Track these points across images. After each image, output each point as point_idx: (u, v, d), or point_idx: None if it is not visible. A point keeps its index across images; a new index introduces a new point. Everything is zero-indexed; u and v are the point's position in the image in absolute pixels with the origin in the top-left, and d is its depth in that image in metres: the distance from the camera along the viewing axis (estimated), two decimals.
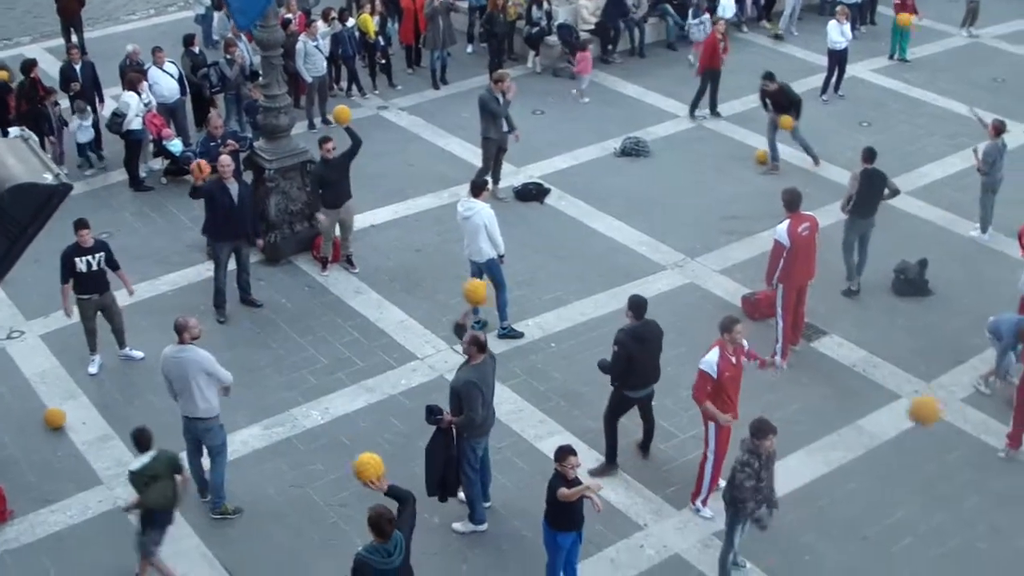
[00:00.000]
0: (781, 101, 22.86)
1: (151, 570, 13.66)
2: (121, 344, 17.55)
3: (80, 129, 23.00)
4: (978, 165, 20.04)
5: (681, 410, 16.20)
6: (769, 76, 23.08)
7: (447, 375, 16.90)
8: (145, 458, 13.29)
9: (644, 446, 15.66)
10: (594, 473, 15.18)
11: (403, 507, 11.71)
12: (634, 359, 14.60)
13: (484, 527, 14.45)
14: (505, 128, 21.63)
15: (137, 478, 13.23)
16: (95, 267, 16.83)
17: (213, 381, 14.18)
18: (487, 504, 14.61)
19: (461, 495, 14.56)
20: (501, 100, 21.42)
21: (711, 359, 13.92)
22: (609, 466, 15.37)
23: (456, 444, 14.00)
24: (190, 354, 14.04)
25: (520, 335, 18.00)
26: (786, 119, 22.58)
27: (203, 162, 19.36)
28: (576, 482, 12.56)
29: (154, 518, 13.39)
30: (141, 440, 13.34)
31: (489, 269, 17.71)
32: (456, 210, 17.86)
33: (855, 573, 13.88)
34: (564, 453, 12.51)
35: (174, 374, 14.14)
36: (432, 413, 13.87)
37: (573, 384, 16.82)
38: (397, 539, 11.35)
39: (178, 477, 13.36)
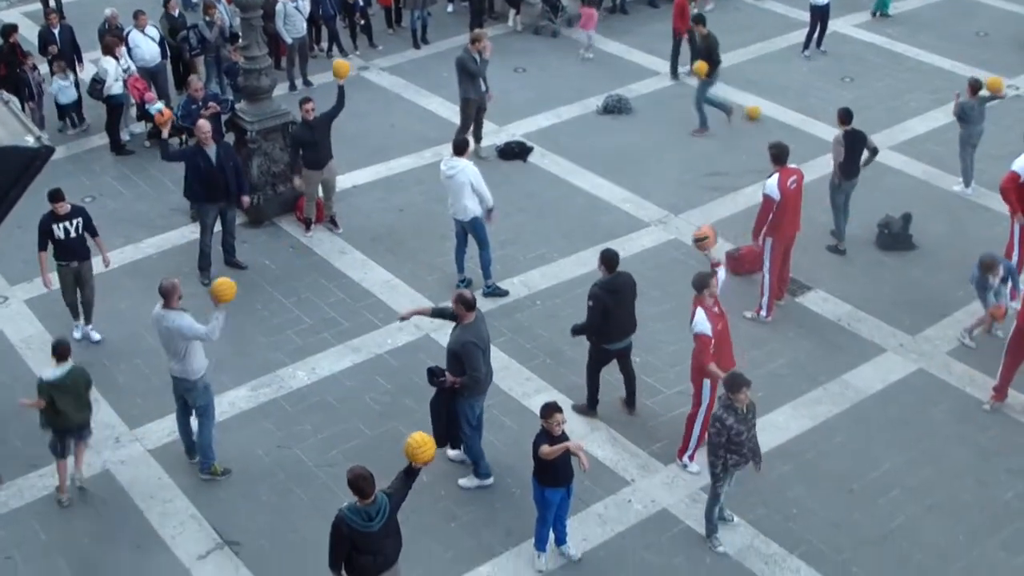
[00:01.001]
0: (703, 48, 22.90)
1: (81, 463, 14.60)
2: (88, 319, 17.38)
3: (60, 90, 22.87)
4: (955, 110, 20.30)
5: (667, 366, 16.25)
6: (699, 19, 23.20)
7: (433, 334, 16.96)
8: (59, 371, 13.93)
9: (629, 402, 15.72)
10: (577, 409, 15.45)
11: (406, 477, 11.68)
12: (609, 311, 14.70)
13: (490, 481, 14.52)
14: (484, 88, 21.58)
15: (42, 387, 13.90)
16: (73, 234, 16.67)
17: (195, 344, 14.19)
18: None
19: (451, 453, 14.66)
20: (479, 60, 21.34)
21: (701, 319, 13.94)
22: (590, 410, 15.54)
23: (453, 404, 14.07)
24: (168, 321, 14.01)
25: (505, 293, 18.02)
26: (701, 64, 22.59)
27: (166, 110, 19.20)
28: (563, 438, 12.61)
29: (55, 428, 14.16)
30: (60, 352, 14.01)
31: (473, 227, 17.72)
32: (439, 169, 17.85)
33: (842, 526, 13.96)
34: (549, 410, 12.55)
35: (161, 335, 14.18)
36: (434, 375, 13.91)
37: (559, 341, 16.83)
38: (381, 503, 11.32)
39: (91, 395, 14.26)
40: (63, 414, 14.01)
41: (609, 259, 14.84)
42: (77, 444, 14.48)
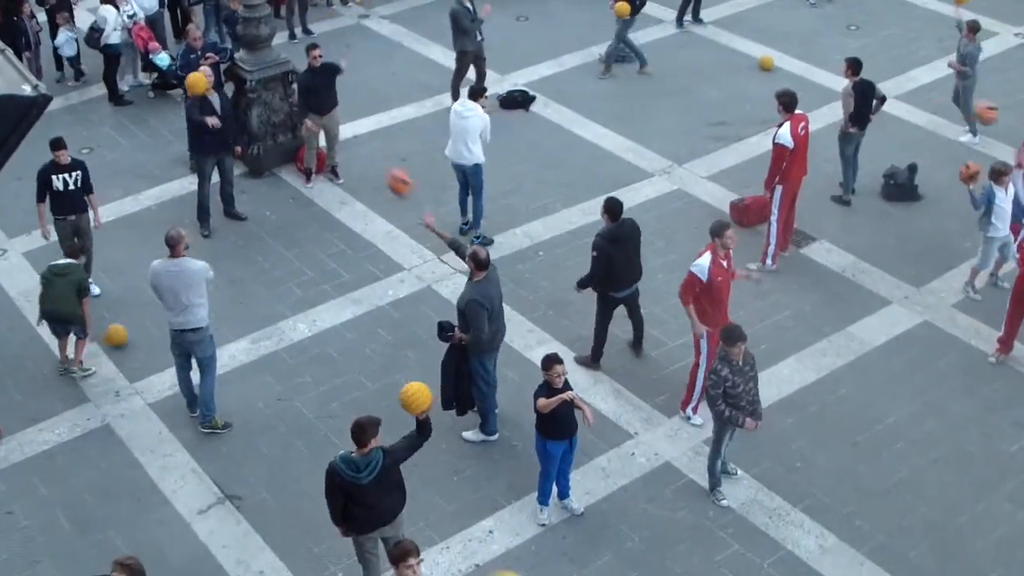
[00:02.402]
0: None
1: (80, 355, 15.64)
2: (87, 272, 17.26)
3: (67, 42, 22.67)
4: (956, 68, 20.04)
5: (671, 318, 16.14)
6: None
7: (435, 285, 16.90)
8: (63, 262, 15.41)
9: (636, 344, 15.72)
10: (580, 361, 15.43)
11: (415, 436, 11.58)
12: (613, 259, 14.67)
13: (495, 437, 14.49)
14: (479, 37, 21.37)
15: (45, 272, 15.41)
16: (72, 186, 16.55)
17: (204, 290, 14.13)
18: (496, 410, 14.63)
19: (466, 434, 14.59)
20: (473, 11, 21.10)
21: (703, 263, 13.87)
22: (593, 363, 15.49)
23: (465, 363, 14.02)
24: (188, 265, 14.00)
25: (490, 242, 17.93)
26: (622, 6, 22.43)
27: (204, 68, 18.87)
28: (565, 390, 12.53)
29: (48, 316, 15.35)
30: (70, 251, 15.64)
31: (473, 173, 17.76)
32: (451, 112, 17.83)
33: (846, 478, 13.90)
34: (550, 362, 12.48)
35: (165, 286, 14.07)
36: (444, 330, 13.94)
37: (561, 292, 16.74)
38: (374, 457, 11.25)
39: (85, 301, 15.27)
40: (58, 301, 15.18)
41: (612, 208, 14.77)
42: (78, 339, 15.52)
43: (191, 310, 14.08)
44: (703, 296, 13.96)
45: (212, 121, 17.77)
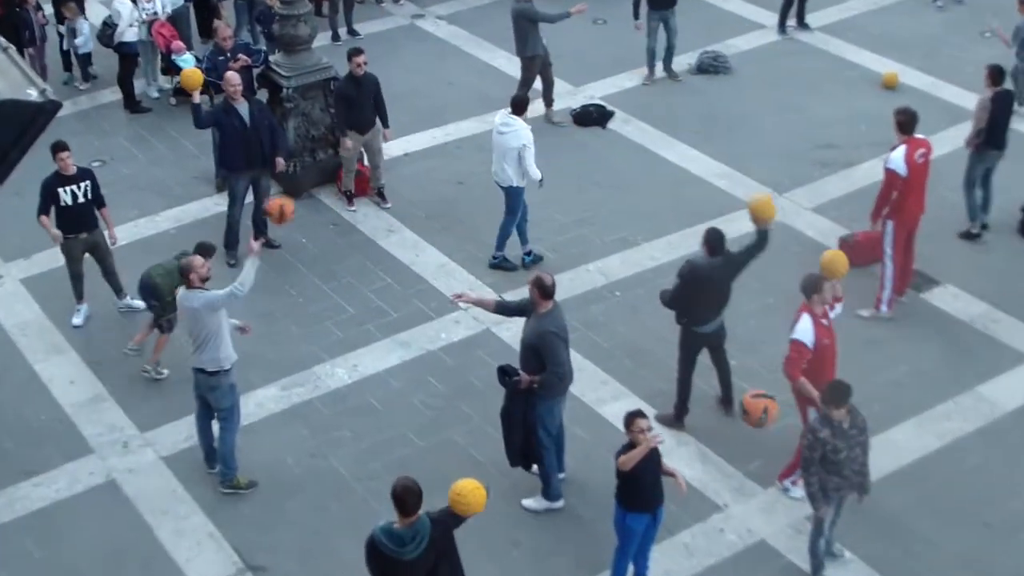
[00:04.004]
0: None
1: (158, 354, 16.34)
2: (118, 290, 17.43)
3: (83, 39, 22.84)
4: (1001, 36, 20.73)
5: (764, 371, 15.97)
6: None
7: (494, 328, 16.84)
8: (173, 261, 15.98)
9: (725, 400, 15.63)
10: (661, 419, 15.24)
11: (453, 516, 11.49)
12: (696, 295, 14.71)
13: (560, 504, 14.40)
14: (545, 41, 21.37)
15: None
16: (82, 199, 16.65)
17: (222, 328, 14.10)
18: (561, 476, 14.53)
19: (525, 502, 14.48)
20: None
21: (806, 328, 13.70)
22: (676, 421, 15.43)
23: (532, 408, 13.90)
24: (189, 302, 14.05)
25: (513, 268, 18.08)
26: None
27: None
28: (653, 453, 12.41)
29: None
30: (204, 249, 15.33)
31: (508, 195, 17.88)
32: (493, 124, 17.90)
33: (975, 565, 13.69)
34: (632, 417, 12.39)
35: (184, 316, 14.33)
36: (506, 375, 13.76)
37: (641, 340, 16.67)
38: (422, 527, 11.15)
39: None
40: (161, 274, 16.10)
41: (712, 240, 14.71)
42: (161, 333, 16.37)
43: (204, 347, 14.09)
44: (811, 363, 13.79)
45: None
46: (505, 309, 14.35)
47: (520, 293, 16.59)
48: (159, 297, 16.06)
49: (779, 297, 16.83)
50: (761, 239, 14.73)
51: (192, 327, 14.13)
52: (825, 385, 12.93)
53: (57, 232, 16.73)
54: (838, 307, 14.32)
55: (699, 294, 14.70)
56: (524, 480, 14.46)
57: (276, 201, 15.46)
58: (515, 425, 13.99)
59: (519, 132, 17.50)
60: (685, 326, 15.04)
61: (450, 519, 11.38)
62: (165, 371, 16.27)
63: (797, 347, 13.74)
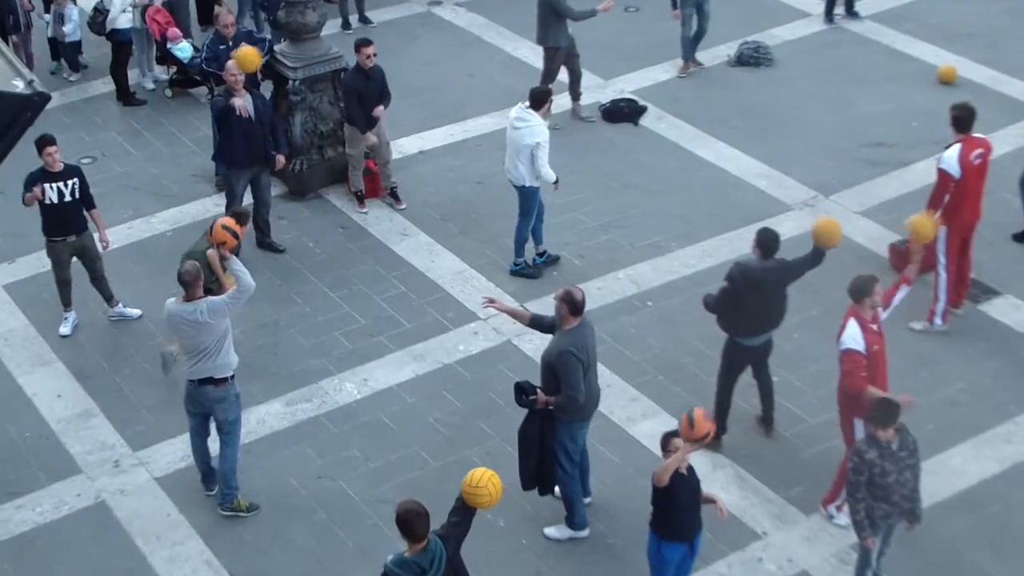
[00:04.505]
0: None
1: None
2: (108, 298, 17.50)
3: (72, 26, 22.91)
4: None
5: (811, 388, 16.03)
6: None
7: (516, 340, 16.87)
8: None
9: (766, 419, 15.63)
10: None
11: (464, 510, 11.58)
12: (745, 302, 14.66)
13: (586, 532, 14.39)
14: (571, 30, 21.42)
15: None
16: (68, 197, 16.66)
17: (229, 330, 14.18)
18: (587, 500, 14.56)
19: (548, 531, 14.46)
20: None
21: (855, 333, 13.67)
22: (714, 439, 15.28)
23: (551, 430, 13.87)
24: (196, 314, 13.87)
25: (536, 276, 18.15)
26: None
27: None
28: (689, 477, 12.40)
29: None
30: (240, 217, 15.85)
31: (522, 195, 17.94)
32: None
33: None
34: (668, 438, 12.35)
35: (180, 332, 14.11)
36: (523, 392, 13.74)
37: (674, 353, 16.70)
38: (435, 549, 11.19)
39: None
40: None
41: (765, 242, 14.68)
42: None
43: (212, 355, 14.05)
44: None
45: (238, 103, 17.83)
46: (540, 324, 14.19)
47: (544, 303, 16.69)
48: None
49: (824, 309, 16.81)
50: (817, 255, 14.73)
51: (195, 340, 13.99)
52: (872, 402, 12.93)
53: (37, 192, 16.54)
54: (903, 291, 14.32)
55: (748, 301, 14.67)
56: (547, 506, 14.46)
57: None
58: (530, 446, 13.92)
59: (533, 128, 17.49)
60: (731, 339, 15.07)
61: (461, 521, 11.47)
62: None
63: (850, 358, 13.66)
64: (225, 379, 14.17)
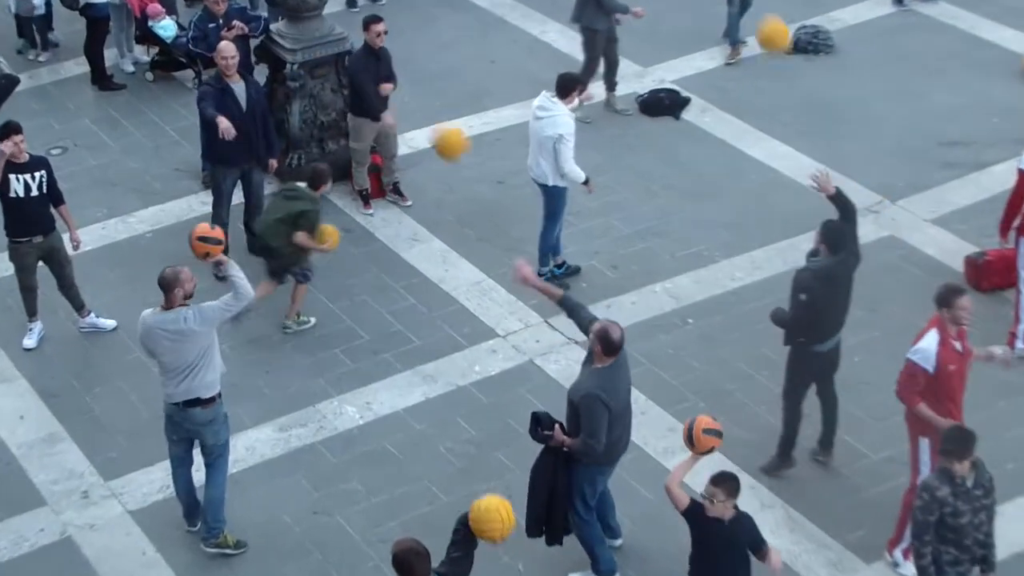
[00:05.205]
0: None
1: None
2: (78, 307, 17.49)
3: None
4: None
5: (872, 420, 15.99)
6: None
7: (539, 360, 16.88)
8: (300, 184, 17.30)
9: (824, 443, 15.61)
10: (767, 470, 15.39)
11: (465, 546, 11.67)
12: (824, 303, 14.67)
13: None
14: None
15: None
16: (35, 191, 16.66)
17: (215, 345, 14.06)
18: (617, 542, 14.51)
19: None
20: None
21: (927, 346, 13.63)
22: (783, 460, 15.43)
23: (567, 470, 13.75)
24: (180, 322, 13.77)
25: (576, 271, 18.26)
26: None
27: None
28: (743, 523, 12.35)
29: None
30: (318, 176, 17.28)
31: (547, 195, 17.98)
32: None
33: None
34: (712, 486, 12.20)
35: (160, 348, 13.95)
36: (539, 424, 13.57)
37: (718, 378, 16.71)
38: None
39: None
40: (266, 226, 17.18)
41: (832, 234, 14.72)
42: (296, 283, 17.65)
43: (198, 371, 13.91)
44: (927, 391, 13.75)
45: (224, 125, 17.72)
46: (573, 313, 14.08)
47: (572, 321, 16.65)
48: (279, 255, 17.18)
49: (886, 330, 16.80)
50: (844, 204, 14.85)
51: (177, 356, 13.82)
52: (947, 430, 12.87)
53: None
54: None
55: (832, 303, 14.74)
56: (573, 548, 14.33)
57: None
58: (539, 486, 13.76)
59: (556, 119, 17.49)
60: (801, 346, 15.04)
61: (463, 557, 11.60)
62: (312, 319, 17.67)
63: (911, 368, 13.66)
64: (213, 398, 14.06)
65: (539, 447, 13.96)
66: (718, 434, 12.62)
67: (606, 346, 13.30)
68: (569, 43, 23.16)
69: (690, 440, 12.47)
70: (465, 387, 16.82)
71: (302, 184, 17.24)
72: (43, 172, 16.73)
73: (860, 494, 15.29)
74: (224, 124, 17.65)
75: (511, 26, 24.63)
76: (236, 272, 13.98)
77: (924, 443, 13.89)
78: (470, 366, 17.10)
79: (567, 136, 17.53)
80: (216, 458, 14.40)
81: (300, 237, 16.79)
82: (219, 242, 14.34)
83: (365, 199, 19.78)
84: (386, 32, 19.03)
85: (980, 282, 17.81)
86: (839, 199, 14.83)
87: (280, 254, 16.97)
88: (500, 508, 11.59)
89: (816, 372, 15.20)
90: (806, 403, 15.23)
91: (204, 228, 14.46)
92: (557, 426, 13.58)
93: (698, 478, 12.81)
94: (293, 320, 17.56)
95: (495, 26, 24.64)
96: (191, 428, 14.22)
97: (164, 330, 13.80)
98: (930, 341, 13.64)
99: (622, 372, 13.61)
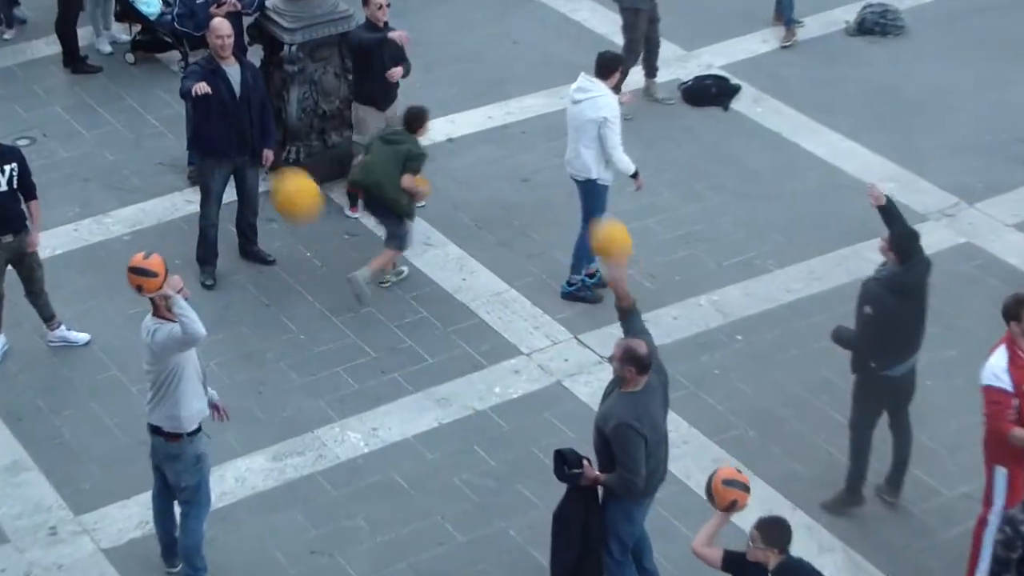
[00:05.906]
0: None
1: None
2: (47, 318, 17.47)
3: None
4: None
5: (947, 451, 15.98)
6: None
7: (567, 381, 16.87)
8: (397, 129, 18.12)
9: (894, 478, 15.58)
10: (829, 507, 15.35)
11: None
12: (896, 318, 14.61)
13: None
14: None
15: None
16: (5, 186, 16.67)
17: (186, 374, 13.80)
18: None
19: None
20: None
21: (998, 366, 13.61)
22: (852, 496, 15.40)
23: (600, 508, 13.69)
24: (152, 336, 13.76)
25: (596, 300, 18.11)
26: None
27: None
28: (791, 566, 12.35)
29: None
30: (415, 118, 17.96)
31: (586, 192, 17.89)
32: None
33: None
34: (757, 532, 12.11)
35: (146, 358, 13.87)
36: (565, 463, 13.45)
37: (770, 402, 16.72)
38: None
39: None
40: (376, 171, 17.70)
41: (902, 241, 14.71)
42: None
43: (159, 402, 13.80)
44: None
45: (200, 87, 17.52)
46: (625, 323, 13.97)
47: (606, 334, 16.66)
48: (394, 202, 17.77)
49: (963, 349, 16.80)
50: (892, 214, 14.91)
51: (149, 369, 13.81)
52: None
53: None
54: None
55: (904, 319, 14.70)
56: None
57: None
58: (568, 532, 13.68)
59: (597, 101, 17.41)
60: (868, 370, 14.98)
61: None
62: (405, 269, 18.65)
63: (992, 395, 13.57)
64: (179, 435, 13.91)
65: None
66: (743, 487, 12.45)
67: (637, 364, 13.15)
68: (603, 22, 23.20)
69: (709, 494, 12.41)
70: (483, 411, 16.81)
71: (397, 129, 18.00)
72: (14, 165, 16.68)
73: (932, 536, 15.27)
74: (200, 87, 17.47)
75: (536, 3, 24.68)
76: (183, 310, 13.43)
77: (1000, 473, 13.89)
78: (489, 388, 17.10)
79: (612, 119, 17.41)
80: (186, 503, 14.24)
81: (407, 180, 17.32)
82: (154, 275, 13.67)
83: (353, 200, 19.69)
84: (388, 5, 18.98)
85: None
86: (889, 212, 14.83)
87: (395, 200, 17.41)
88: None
89: (888, 401, 15.15)
90: (876, 432, 15.22)
91: (138, 259, 13.81)
92: (585, 462, 13.49)
93: (749, 517, 12.80)
94: (391, 272, 18.38)
95: (518, 3, 24.70)
96: (157, 457, 14.16)
97: (142, 336, 13.77)
98: (998, 360, 13.60)
99: (655, 395, 13.51)
